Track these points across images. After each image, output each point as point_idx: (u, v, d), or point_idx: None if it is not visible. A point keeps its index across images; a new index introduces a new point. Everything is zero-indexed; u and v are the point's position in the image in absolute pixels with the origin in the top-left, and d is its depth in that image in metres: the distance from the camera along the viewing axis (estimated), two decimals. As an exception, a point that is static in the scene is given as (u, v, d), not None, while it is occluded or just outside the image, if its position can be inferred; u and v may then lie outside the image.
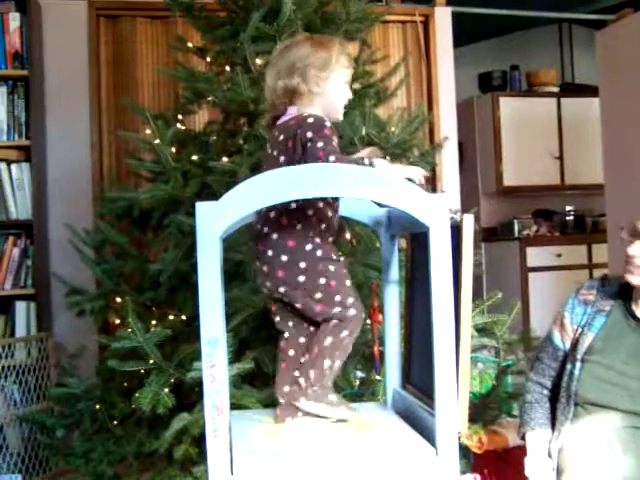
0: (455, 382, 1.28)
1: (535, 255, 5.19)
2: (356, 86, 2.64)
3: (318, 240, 1.48)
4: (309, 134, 1.44)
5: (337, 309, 1.46)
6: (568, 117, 5.55)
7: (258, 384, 2.03)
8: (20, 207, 3.21)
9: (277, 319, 1.57)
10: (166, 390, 2.00)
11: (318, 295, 1.46)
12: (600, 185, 4.30)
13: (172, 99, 3.48)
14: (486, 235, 5.50)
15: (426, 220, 1.26)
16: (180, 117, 2.67)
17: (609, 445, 1.61)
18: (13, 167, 3.21)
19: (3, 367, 2.98)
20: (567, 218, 5.68)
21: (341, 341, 1.47)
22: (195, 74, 2.53)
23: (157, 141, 2.38)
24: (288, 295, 1.49)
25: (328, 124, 1.48)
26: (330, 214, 1.52)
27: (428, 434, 1.36)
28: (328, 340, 1.47)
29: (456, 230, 1.33)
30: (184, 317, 2.34)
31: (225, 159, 2.39)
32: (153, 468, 2.24)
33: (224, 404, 1.23)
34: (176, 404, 2.00)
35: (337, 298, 1.46)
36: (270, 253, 1.49)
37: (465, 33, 4.65)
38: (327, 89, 1.54)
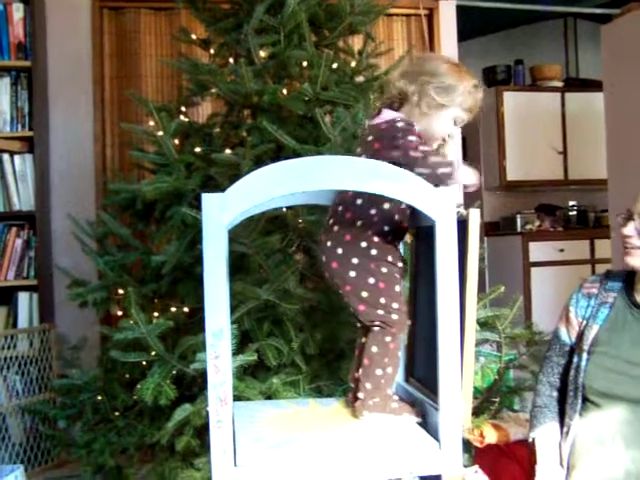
0: (459, 376, 1.28)
1: (538, 250, 5.18)
2: (360, 79, 2.64)
3: (376, 239, 1.46)
4: (400, 133, 1.44)
5: (380, 312, 1.46)
6: (572, 112, 5.53)
7: (260, 376, 2.03)
8: (23, 198, 3.21)
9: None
10: (168, 381, 2.00)
11: (364, 294, 1.45)
12: (603, 180, 4.29)
13: (175, 91, 3.49)
14: (489, 229, 5.49)
15: (432, 214, 1.25)
16: (183, 109, 2.66)
17: (612, 440, 1.61)
18: (16, 158, 3.20)
19: (5, 358, 2.99)
20: (570, 213, 5.67)
21: (386, 347, 1.47)
22: (199, 66, 2.52)
23: (160, 133, 2.38)
24: (340, 288, 1.49)
25: (417, 128, 1.48)
26: (397, 217, 1.48)
27: (431, 428, 1.36)
28: (374, 349, 1.47)
29: (462, 224, 1.33)
30: (186, 309, 2.34)
31: (228, 151, 2.39)
32: (154, 459, 2.24)
33: (228, 395, 1.23)
34: (178, 396, 2.00)
35: (382, 300, 1.45)
36: (329, 244, 1.49)
37: (470, 27, 4.64)
38: (434, 115, 1.51)
